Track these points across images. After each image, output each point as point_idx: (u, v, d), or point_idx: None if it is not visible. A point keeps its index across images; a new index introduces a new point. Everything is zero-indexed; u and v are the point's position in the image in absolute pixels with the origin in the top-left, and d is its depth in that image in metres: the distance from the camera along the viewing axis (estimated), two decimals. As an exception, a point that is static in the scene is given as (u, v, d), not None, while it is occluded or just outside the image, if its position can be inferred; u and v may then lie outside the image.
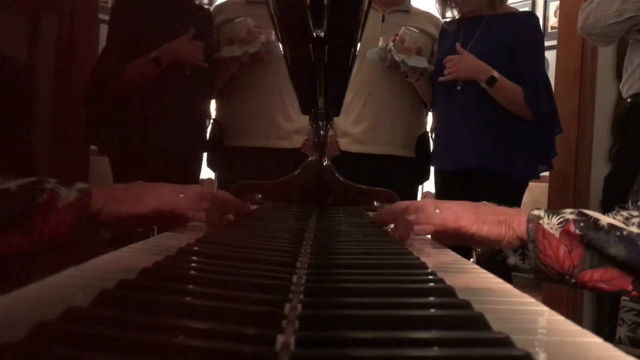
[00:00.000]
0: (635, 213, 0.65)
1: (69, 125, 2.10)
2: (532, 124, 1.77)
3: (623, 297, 0.91)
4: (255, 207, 1.12)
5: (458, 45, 1.75)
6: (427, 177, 2.09)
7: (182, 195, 0.71)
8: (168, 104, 1.72)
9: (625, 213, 0.65)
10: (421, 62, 1.80)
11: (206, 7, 1.90)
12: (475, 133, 1.77)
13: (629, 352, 0.32)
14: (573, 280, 0.64)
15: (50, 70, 2.15)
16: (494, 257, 0.82)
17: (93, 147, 2.17)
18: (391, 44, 1.79)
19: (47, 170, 2.09)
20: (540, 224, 0.65)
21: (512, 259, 0.84)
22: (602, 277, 0.63)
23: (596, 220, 0.63)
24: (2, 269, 0.64)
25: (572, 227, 0.63)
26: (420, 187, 2.22)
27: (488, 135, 1.76)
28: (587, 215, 0.65)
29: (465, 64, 1.72)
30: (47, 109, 2.15)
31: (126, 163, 1.74)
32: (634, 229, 0.62)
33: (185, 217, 0.73)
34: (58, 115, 2.15)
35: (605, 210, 0.67)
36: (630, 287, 0.63)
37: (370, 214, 1.06)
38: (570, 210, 0.66)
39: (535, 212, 0.67)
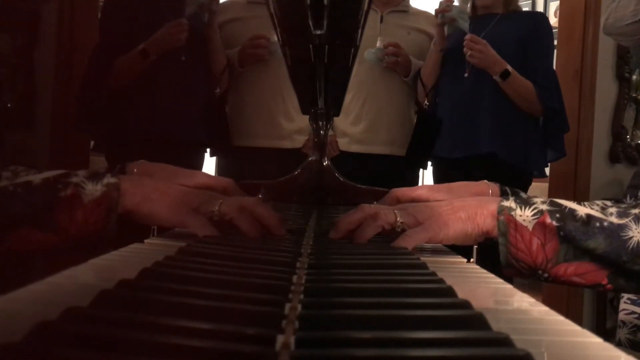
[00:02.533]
0: (609, 203, 0.61)
1: (69, 125, 2.10)
2: (543, 120, 1.77)
3: (623, 300, 0.90)
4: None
5: (473, 36, 1.73)
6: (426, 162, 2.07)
7: (216, 208, 0.65)
8: (163, 93, 1.71)
9: (599, 202, 0.62)
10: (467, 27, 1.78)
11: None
12: (488, 120, 1.76)
13: (628, 355, 0.32)
14: (545, 275, 0.61)
15: (50, 70, 2.15)
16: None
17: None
18: (456, 6, 1.73)
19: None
20: (512, 215, 0.61)
21: None
22: (577, 270, 0.60)
23: (573, 211, 0.60)
24: (2, 269, 0.64)
25: (547, 219, 0.60)
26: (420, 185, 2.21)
27: (501, 123, 1.75)
28: (561, 205, 0.61)
29: (486, 52, 1.71)
30: (47, 109, 2.14)
31: (123, 158, 1.73)
32: (614, 219, 0.59)
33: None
34: (58, 115, 2.15)
35: None
36: (605, 281, 0.60)
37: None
38: (542, 199, 0.62)
39: (506, 203, 0.62)
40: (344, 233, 0.68)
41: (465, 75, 1.80)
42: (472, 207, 0.65)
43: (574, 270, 0.60)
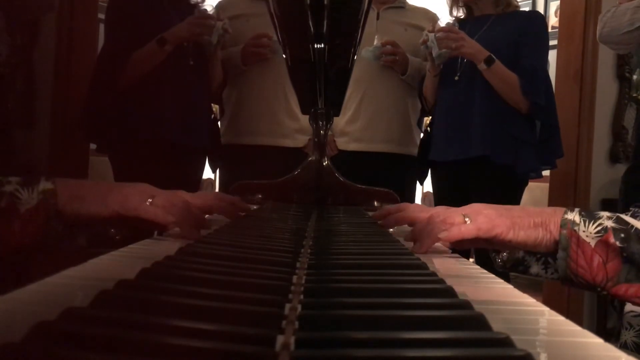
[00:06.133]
0: None
1: (68, 125, 2.10)
2: (535, 119, 1.77)
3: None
4: (255, 207, 1.12)
5: (446, 27, 1.75)
6: (426, 176, 2.08)
7: (149, 201, 0.65)
8: (169, 97, 1.72)
9: None
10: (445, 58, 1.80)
11: (200, 4, 1.89)
12: (479, 122, 1.76)
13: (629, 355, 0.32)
14: (604, 292, 0.60)
15: (50, 70, 2.15)
16: (516, 267, 0.79)
17: (92, 147, 2.17)
18: (431, 34, 1.75)
19: (46, 170, 2.09)
20: (575, 230, 0.60)
21: (535, 269, 0.79)
22: (638, 292, 0.58)
23: (639, 232, 0.58)
24: (2, 269, 0.63)
25: (611, 238, 0.58)
26: (420, 187, 2.21)
27: (492, 125, 1.75)
28: (627, 223, 0.59)
29: (467, 40, 1.72)
30: (47, 109, 2.14)
31: (127, 160, 1.73)
32: None
33: (155, 224, 0.67)
34: (58, 115, 2.15)
35: (624, 208, 0.63)
36: None
37: (371, 213, 1.06)
38: (608, 214, 0.61)
39: (570, 217, 0.61)
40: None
41: (456, 78, 1.81)
42: (546, 214, 0.63)
43: (635, 292, 0.59)
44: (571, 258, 0.60)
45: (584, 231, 0.60)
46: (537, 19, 1.88)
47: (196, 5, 1.84)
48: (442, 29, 1.74)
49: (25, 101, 2.08)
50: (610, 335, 2.02)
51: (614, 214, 0.61)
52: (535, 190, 2.76)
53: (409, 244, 0.71)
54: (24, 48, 2.07)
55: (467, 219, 0.64)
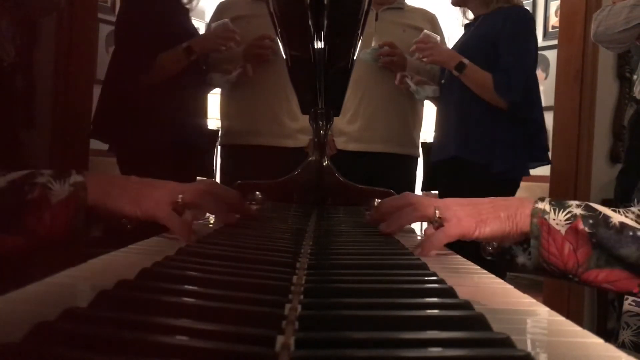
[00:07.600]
0: None
1: (68, 126, 2.10)
2: (513, 116, 1.77)
3: (628, 302, 0.89)
4: (255, 207, 1.12)
5: (422, 37, 1.79)
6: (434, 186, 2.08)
7: (180, 197, 0.66)
8: (185, 100, 1.76)
9: (635, 210, 0.61)
10: (435, 92, 1.88)
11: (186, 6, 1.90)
12: (456, 124, 1.80)
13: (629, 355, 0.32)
14: (576, 279, 0.61)
15: (50, 70, 2.15)
16: (503, 256, 0.80)
17: (92, 147, 2.17)
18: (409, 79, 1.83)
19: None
20: (545, 219, 0.61)
21: (521, 259, 0.81)
22: (608, 277, 0.60)
23: (606, 218, 0.60)
24: (2, 269, 0.63)
25: (580, 225, 0.60)
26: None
27: (468, 125, 1.78)
28: (595, 210, 0.61)
29: (436, 49, 1.76)
30: (47, 109, 2.14)
31: (135, 162, 1.74)
32: None
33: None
34: (58, 115, 2.15)
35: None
36: (636, 289, 0.60)
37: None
38: (577, 202, 0.62)
39: (540, 206, 0.62)
40: (384, 217, 0.71)
41: (442, 81, 1.87)
42: (513, 207, 0.65)
43: (605, 277, 0.60)
44: (543, 246, 0.61)
45: (554, 219, 0.61)
46: (515, 15, 1.82)
47: (188, 9, 1.88)
48: (416, 41, 1.79)
49: (26, 101, 2.08)
50: (610, 335, 2.02)
51: (583, 202, 0.62)
52: (536, 190, 2.75)
53: (409, 245, 0.71)
54: (24, 48, 2.07)
55: (437, 214, 0.67)
